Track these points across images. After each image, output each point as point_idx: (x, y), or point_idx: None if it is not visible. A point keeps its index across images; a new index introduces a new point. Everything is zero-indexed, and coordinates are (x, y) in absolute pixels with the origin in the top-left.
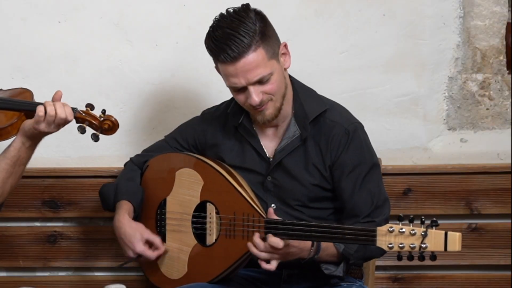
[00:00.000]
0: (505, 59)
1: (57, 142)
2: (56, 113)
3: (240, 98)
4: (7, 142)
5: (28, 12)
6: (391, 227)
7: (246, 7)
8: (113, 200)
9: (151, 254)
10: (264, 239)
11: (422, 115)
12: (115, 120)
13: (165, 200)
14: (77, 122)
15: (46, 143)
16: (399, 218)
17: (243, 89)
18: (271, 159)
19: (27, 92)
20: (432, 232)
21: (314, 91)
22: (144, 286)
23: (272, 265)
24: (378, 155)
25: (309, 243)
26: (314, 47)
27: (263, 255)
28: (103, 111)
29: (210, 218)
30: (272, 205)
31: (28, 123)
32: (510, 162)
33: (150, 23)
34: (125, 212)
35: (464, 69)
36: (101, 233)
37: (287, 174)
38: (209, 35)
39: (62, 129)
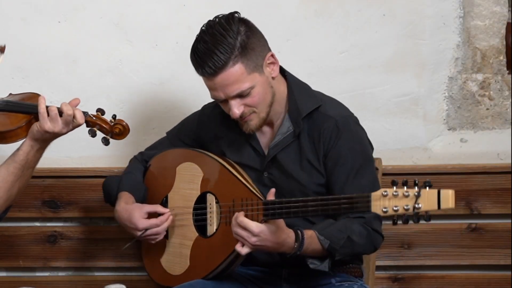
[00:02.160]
0: (505, 59)
1: (57, 142)
2: (62, 110)
3: (225, 108)
4: (16, 144)
5: (28, 12)
6: (385, 191)
7: (231, 17)
8: (115, 192)
9: (156, 221)
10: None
11: (422, 115)
12: (126, 124)
13: (167, 197)
14: (87, 125)
15: None
16: (393, 183)
17: (226, 101)
18: (266, 155)
19: (37, 96)
20: (425, 191)
21: (309, 87)
22: (144, 286)
23: (243, 249)
24: (378, 155)
25: (291, 239)
26: (314, 47)
27: (237, 230)
28: (114, 116)
29: (210, 208)
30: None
31: (36, 125)
32: (510, 162)
33: (150, 23)
34: (122, 201)
35: (464, 69)
36: (101, 233)
37: (281, 169)
38: (193, 47)
39: None
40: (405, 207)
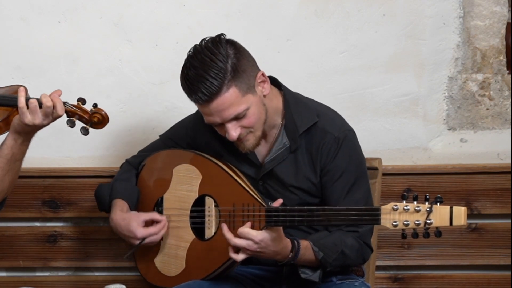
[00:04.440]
0: (505, 59)
1: (57, 142)
2: (41, 102)
3: (221, 132)
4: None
5: (28, 12)
6: (395, 205)
7: (218, 40)
8: (108, 200)
9: (154, 229)
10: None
11: (422, 115)
12: (105, 113)
13: (162, 198)
14: (67, 116)
15: (46, 143)
16: (403, 197)
17: (222, 124)
18: (261, 166)
19: (20, 87)
20: (437, 207)
21: (305, 99)
22: (144, 286)
23: (239, 256)
24: (378, 155)
25: (287, 248)
26: (314, 47)
27: (236, 241)
28: (94, 105)
29: (209, 211)
30: (269, 202)
31: (16, 118)
32: (510, 162)
33: (150, 23)
34: (117, 209)
35: (464, 69)
36: (101, 233)
37: (277, 182)
38: (182, 73)
39: (62, 130)
40: (416, 222)
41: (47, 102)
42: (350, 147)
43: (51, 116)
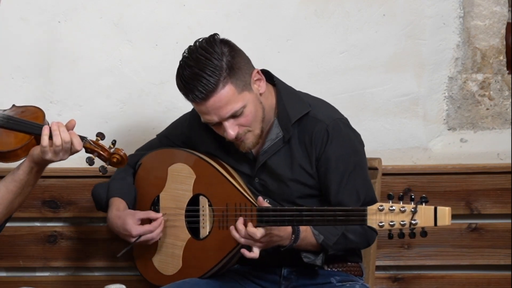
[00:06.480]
0: (505, 59)
1: None
2: (62, 141)
3: (219, 131)
4: (16, 163)
5: (28, 12)
6: (381, 206)
7: (212, 39)
8: (105, 199)
9: (149, 227)
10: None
11: (422, 115)
12: (124, 154)
13: (158, 197)
14: (86, 151)
15: None
16: (389, 197)
17: (219, 123)
18: (256, 159)
19: (39, 112)
20: (422, 208)
21: (298, 93)
22: (144, 286)
23: (255, 253)
24: (378, 155)
25: (288, 231)
26: (314, 47)
27: (243, 240)
28: (114, 142)
29: (203, 211)
30: (266, 200)
31: (37, 150)
32: (510, 162)
33: (150, 23)
34: (114, 208)
35: (464, 69)
36: (101, 233)
37: (272, 175)
38: (178, 74)
39: None
40: (401, 222)
41: (65, 138)
42: (342, 136)
43: (69, 152)
